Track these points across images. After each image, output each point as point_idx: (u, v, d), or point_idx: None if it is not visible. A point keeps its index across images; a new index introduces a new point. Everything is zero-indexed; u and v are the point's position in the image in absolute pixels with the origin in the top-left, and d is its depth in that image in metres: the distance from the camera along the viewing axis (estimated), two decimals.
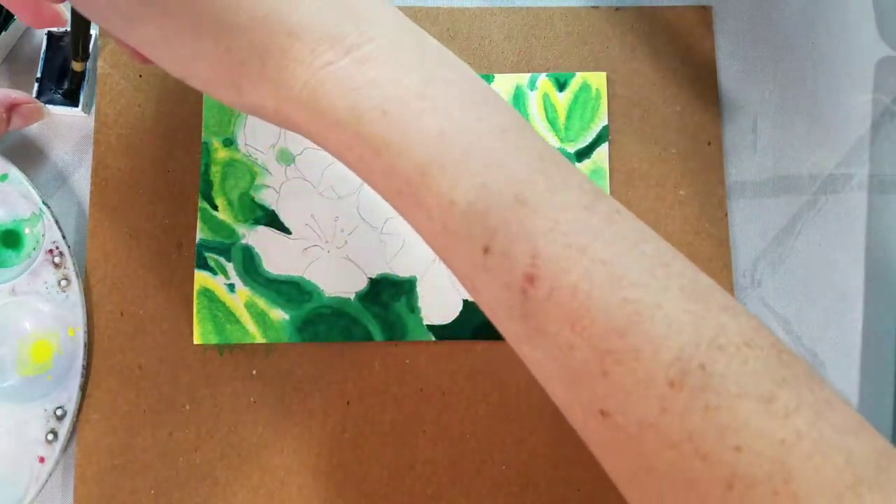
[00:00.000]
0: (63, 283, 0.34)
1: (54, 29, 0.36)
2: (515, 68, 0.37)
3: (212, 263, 0.35)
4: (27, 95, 0.34)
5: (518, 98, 0.37)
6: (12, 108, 0.34)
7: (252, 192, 0.36)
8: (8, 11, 0.35)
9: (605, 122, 0.37)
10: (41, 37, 0.36)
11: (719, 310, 0.20)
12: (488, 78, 0.37)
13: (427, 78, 0.22)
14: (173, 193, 0.36)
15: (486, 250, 0.21)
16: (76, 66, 0.35)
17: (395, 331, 0.35)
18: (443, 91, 0.22)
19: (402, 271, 0.35)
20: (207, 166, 0.36)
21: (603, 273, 0.20)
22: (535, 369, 0.23)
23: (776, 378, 0.19)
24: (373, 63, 0.22)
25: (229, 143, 0.36)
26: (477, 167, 0.21)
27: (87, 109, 0.36)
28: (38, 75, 0.35)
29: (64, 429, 0.33)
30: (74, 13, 0.32)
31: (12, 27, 0.36)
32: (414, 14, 0.38)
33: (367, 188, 0.36)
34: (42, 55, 0.36)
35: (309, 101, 0.23)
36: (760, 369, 0.19)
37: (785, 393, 0.19)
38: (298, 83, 0.22)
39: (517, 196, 0.21)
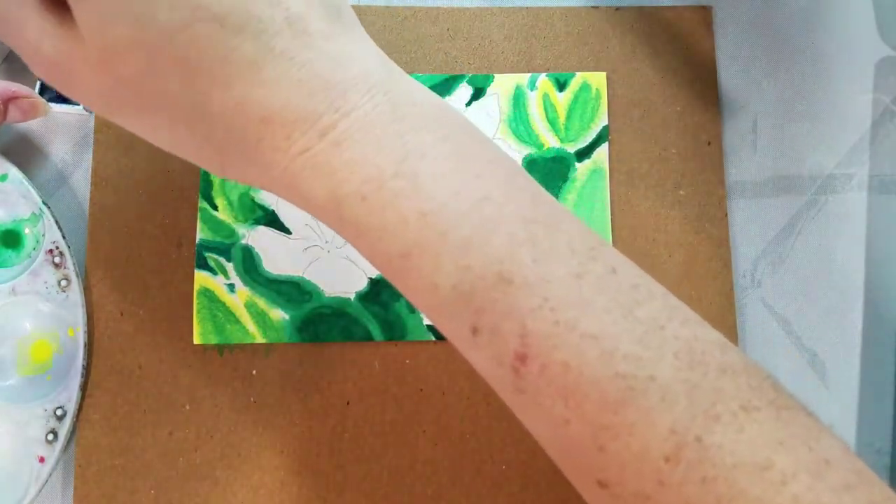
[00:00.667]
0: (63, 283, 0.34)
1: None
2: (515, 68, 0.37)
3: (212, 263, 0.35)
4: (29, 90, 0.34)
5: (518, 98, 0.37)
6: (10, 100, 0.33)
7: (252, 192, 0.36)
8: None
9: (605, 122, 0.37)
10: None
11: (717, 373, 0.20)
12: (488, 78, 0.37)
13: (403, 152, 0.22)
14: (173, 193, 0.36)
15: (475, 330, 0.21)
16: None
17: (395, 331, 0.35)
18: (420, 164, 0.21)
19: None
20: None
21: (594, 348, 0.20)
22: (535, 436, 0.23)
23: (773, 442, 0.19)
24: (349, 143, 0.22)
25: None
26: (458, 248, 0.21)
27: (88, 108, 0.36)
28: None
29: (64, 429, 0.33)
30: None
31: None
32: (414, 14, 0.38)
33: None
34: None
35: (290, 186, 0.23)
36: (756, 436, 0.19)
37: (782, 457, 0.19)
38: (278, 169, 0.22)
39: (501, 274, 0.21)
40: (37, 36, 0.22)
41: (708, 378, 0.20)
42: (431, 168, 0.22)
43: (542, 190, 0.23)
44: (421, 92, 0.23)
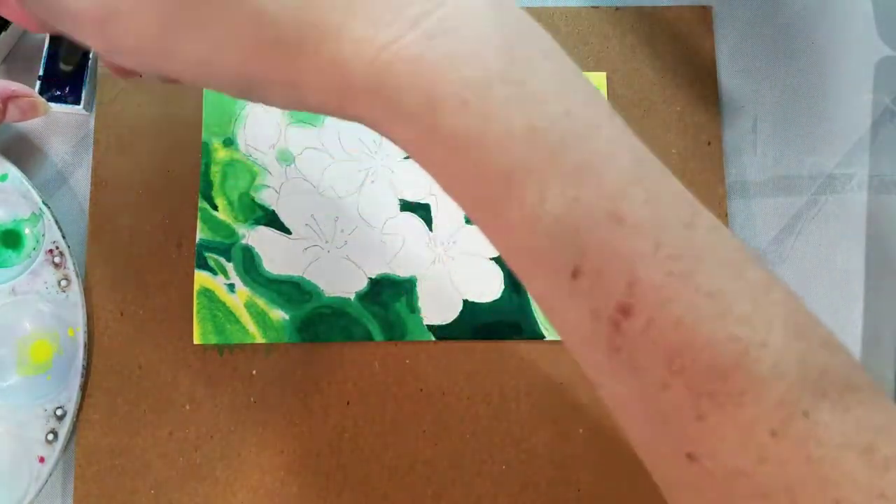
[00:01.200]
0: (63, 283, 0.34)
1: None
2: None
3: (212, 263, 0.35)
4: (28, 89, 0.34)
5: None
6: (10, 99, 0.33)
7: (252, 192, 0.36)
8: None
9: None
10: (42, 36, 0.36)
11: (820, 346, 0.19)
12: None
13: (512, 54, 0.19)
14: (173, 193, 0.36)
15: (575, 273, 0.19)
16: (65, 66, 0.35)
17: (395, 331, 0.35)
18: (529, 73, 0.19)
19: (402, 271, 0.35)
20: (207, 166, 0.36)
21: (709, 306, 0.18)
22: (612, 403, 0.21)
23: (876, 425, 0.18)
24: (447, 36, 0.19)
25: (229, 143, 0.36)
26: (567, 175, 0.18)
27: (88, 108, 0.36)
28: (41, 73, 0.35)
29: (64, 429, 0.33)
30: None
31: (12, 27, 0.36)
32: None
33: (367, 188, 0.36)
34: (44, 53, 0.36)
35: (374, 89, 0.19)
36: (861, 416, 0.18)
37: (884, 442, 0.18)
38: (361, 66, 0.19)
39: (613, 212, 0.18)
40: None
41: (813, 350, 0.18)
42: (542, 78, 0.19)
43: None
44: (515, 8, 0.21)
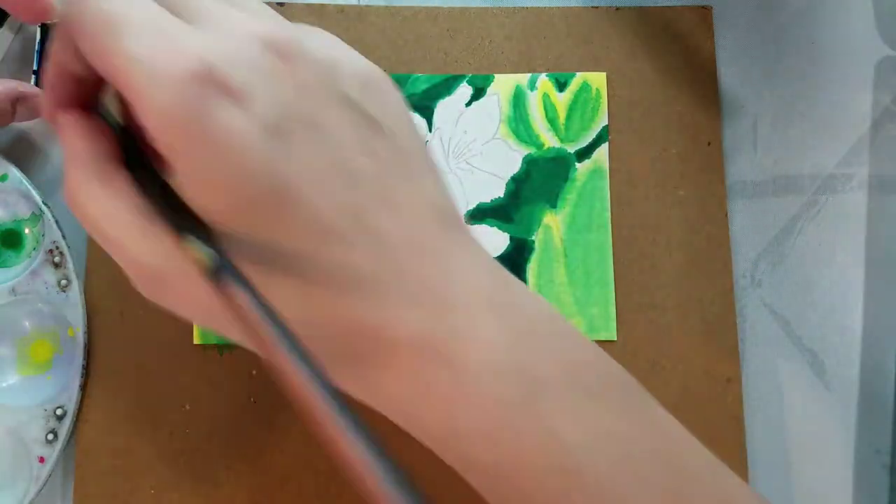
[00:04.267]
0: (63, 283, 0.34)
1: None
2: (515, 68, 0.37)
3: None
4: (35, 88, 0.34)
5: (518, 98, 0.37)
6: (19, 100, 0.33)
7: None
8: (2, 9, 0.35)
9: (605, 122, 0.37)
10: (35, 31, 0.36)
11: None
12: (488, 78, 0.37)
13: (529, 386, 0.20)
14: None
15: None
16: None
17: None
18: (546, 405, 0.20)
19: None
20: None
21: None
22: None
23: None
24: (468, 369, 0.20)
25: None
26: None
27: None
28: (35, 67, 0.35)
29: (64, 429, 0.33)
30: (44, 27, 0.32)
31: (9, 20, 0.36)
32: (414, 14, 0.38)
33: None
34: (37, 47, 0.35)
35: (401, 413, 0.21)
36: None
37: None
38: (386, 390, 0.21)
39: None
40: (141, 253, 0.22)
41: None
42: (567, 402, 0.20)
43: (669, 418, 0.22)
44: (540, 309, 0.22)
